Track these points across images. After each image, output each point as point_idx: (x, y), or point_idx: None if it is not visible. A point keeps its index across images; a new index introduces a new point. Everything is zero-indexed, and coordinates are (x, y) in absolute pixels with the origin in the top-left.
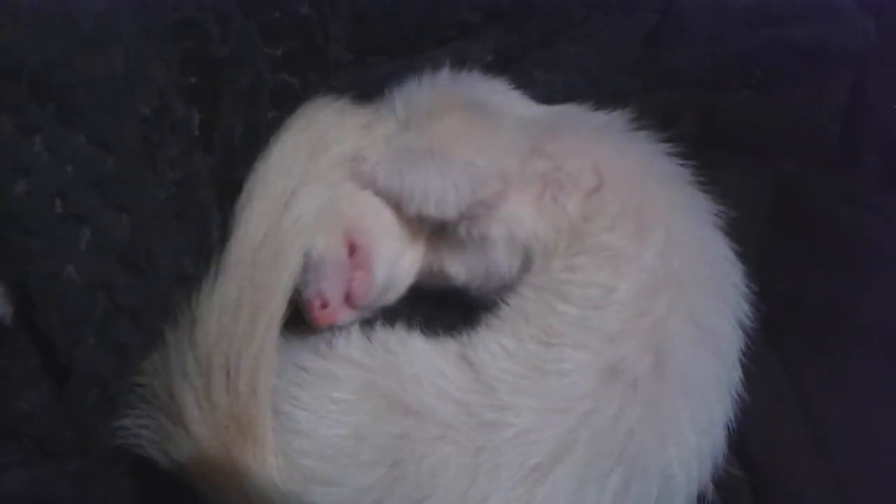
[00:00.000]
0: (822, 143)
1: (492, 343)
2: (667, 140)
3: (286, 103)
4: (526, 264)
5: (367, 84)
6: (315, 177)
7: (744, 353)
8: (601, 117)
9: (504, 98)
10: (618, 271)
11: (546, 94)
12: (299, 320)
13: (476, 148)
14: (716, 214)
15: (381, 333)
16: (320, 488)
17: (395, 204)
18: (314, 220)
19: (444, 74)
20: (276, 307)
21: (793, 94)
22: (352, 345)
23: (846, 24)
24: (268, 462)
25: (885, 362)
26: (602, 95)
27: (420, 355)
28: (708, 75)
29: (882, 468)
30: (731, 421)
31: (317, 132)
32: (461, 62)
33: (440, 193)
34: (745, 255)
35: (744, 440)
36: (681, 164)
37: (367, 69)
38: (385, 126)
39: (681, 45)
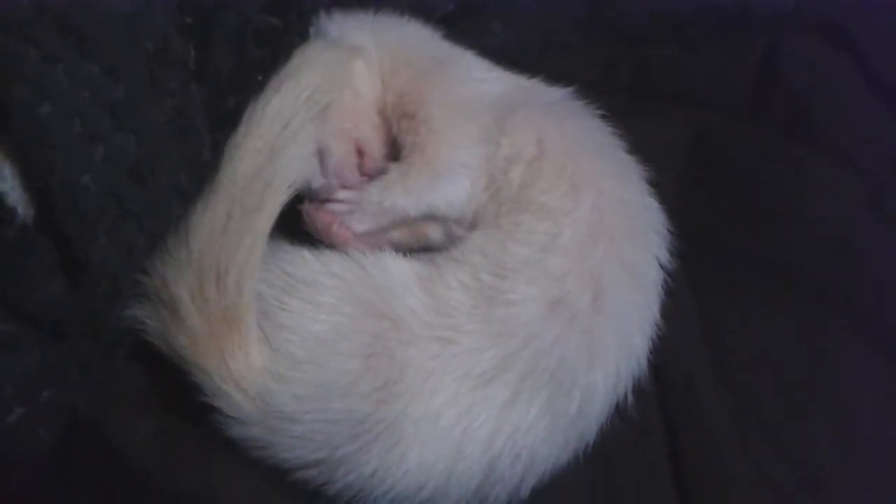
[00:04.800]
0: (738, 97)
1: (450, 277)
2: (605, 90)
3: (269, 42)
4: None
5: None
6: (308, 125)
7: (662, 288)
8: (554, 93)
9: (471, 65)
10: (557, 222)
11: (501, 45)
12: (292, 231)
13: (467, 150)
14: (641, 174)
15: (357, 254)
16: (302, 366)
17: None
18: (303, 163)
19: (408, 26)
20: (262, 227)
21: (716, 51)
22: (331, 260)
23: None
24: (251, 349)
25: (783, 295)
26: (551, 47)
27: (393, 274)
28: (645, 32)
29: (778, 388)
30: (650, 345)
31: (312, 83)
32: (424, 9)
33: (457, 198)
34: (665, 197)
35: (658, 362)
36: (614, 134)
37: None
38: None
39: (624, 4)
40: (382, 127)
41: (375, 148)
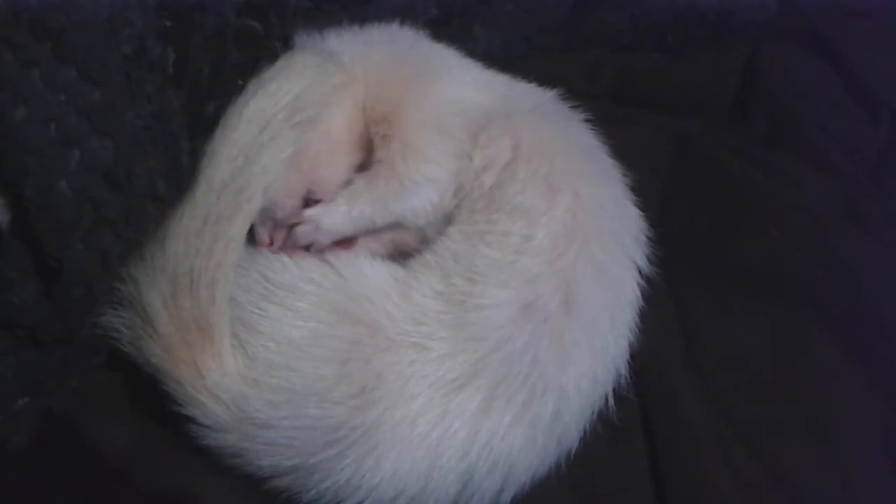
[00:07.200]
0: (719, 104)
1: (425, 285)
2: (587, 95)
3: (249, 46)
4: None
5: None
6: (284, 133)
7: (641, 293)
8: (540, 96)
9: (456, 76)
10: (531, 223)
11: (485, 49)
12: None
13: (437, 164)
14: (621, 177)
15: (335, 259)
16: (278, 372)
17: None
18: (278, 170)
19: (396, 34)
20: (235, 233)
21: (697, 58)
22: (310, 266)
23: None
24: (225, 357)
25: (762, 300)
26: (533, 52)
27: (369, 280)
28: (627, 39)
29: (754, 387)
30: (627, 349)
31: (294, 89)
32: (407, 14)
33: (422, 209)
34: (647, 202)
35: (638, 367)
36: (596, 136)
37: (323, 15)
38: (351, 88)
39: (605, 10)
40: (353, 158)
41: (330, 189)
